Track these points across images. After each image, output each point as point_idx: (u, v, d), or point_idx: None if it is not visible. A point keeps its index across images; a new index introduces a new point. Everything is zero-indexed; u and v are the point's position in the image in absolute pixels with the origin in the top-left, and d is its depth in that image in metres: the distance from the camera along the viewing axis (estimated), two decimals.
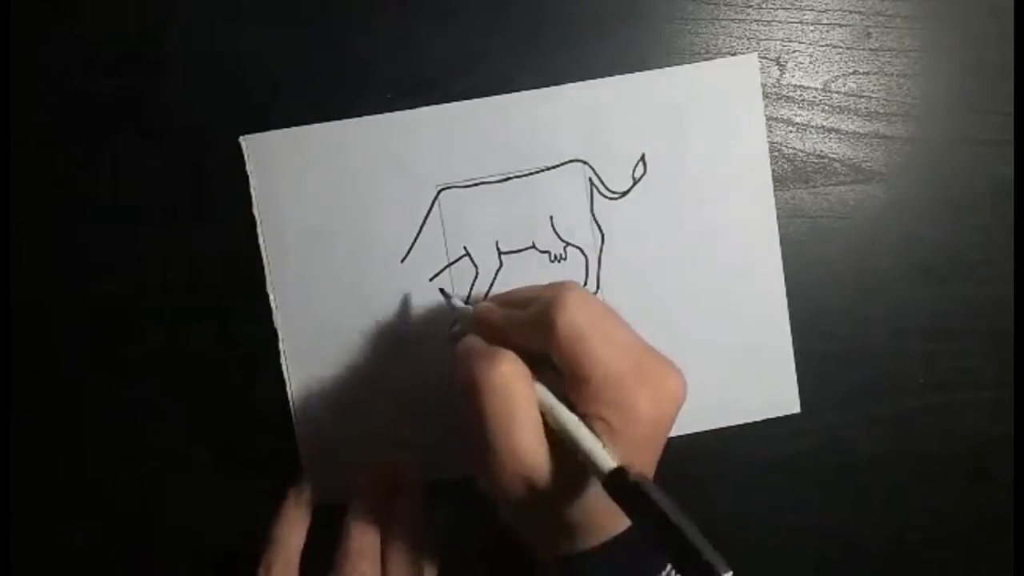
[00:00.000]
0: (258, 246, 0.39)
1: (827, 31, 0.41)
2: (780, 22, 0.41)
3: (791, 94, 0.41)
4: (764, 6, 0.41)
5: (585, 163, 0.40)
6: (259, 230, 0.38)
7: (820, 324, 0.42)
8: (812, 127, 0.41)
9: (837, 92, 0.42)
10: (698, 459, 0.42)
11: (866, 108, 0.42)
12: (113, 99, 0.38)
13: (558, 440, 0.31)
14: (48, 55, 0.38)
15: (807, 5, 0.41)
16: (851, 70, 0.42)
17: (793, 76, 0.41)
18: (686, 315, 0.41)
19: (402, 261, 0.39)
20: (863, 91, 0.42)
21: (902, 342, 0.43)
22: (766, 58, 0.41)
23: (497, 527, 0.34)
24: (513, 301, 0.36)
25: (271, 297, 0.38)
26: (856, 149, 0.42)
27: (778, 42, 0.41)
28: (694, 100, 0.40)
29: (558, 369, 0.31)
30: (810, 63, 0.41)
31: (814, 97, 0.41)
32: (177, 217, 0.39)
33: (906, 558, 0.44)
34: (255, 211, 0.38)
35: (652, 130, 0.40)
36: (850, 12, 0.41)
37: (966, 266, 0.43)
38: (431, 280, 0.39)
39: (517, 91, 0.39)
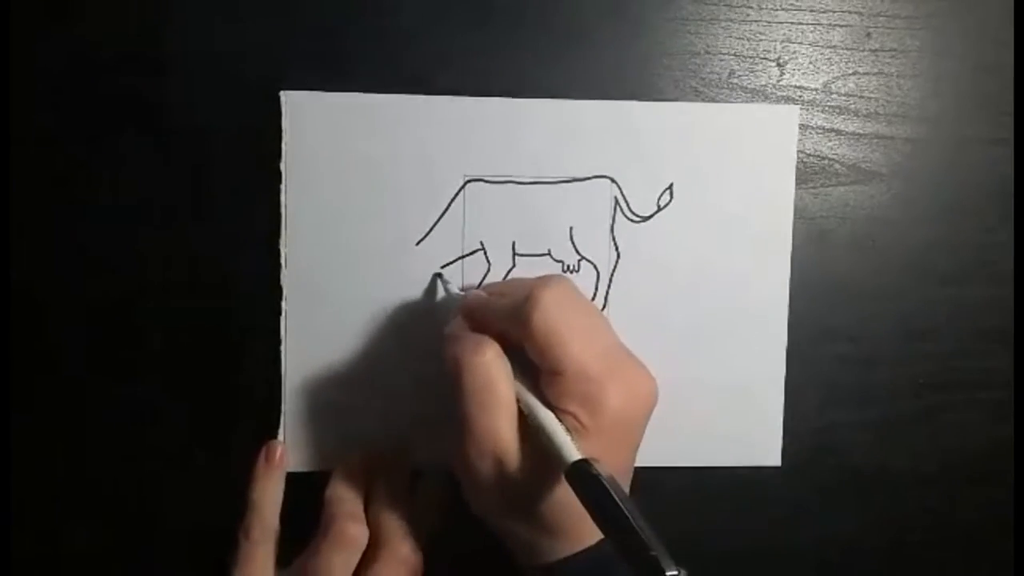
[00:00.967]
0: (259, 246, 0.39)
1: (827, 31, 0.41)
2: (780, 22, 0.41)
3: (791, 94, 0.41)
4: (764, 6, 0.41)
5: (613, 181, 0.40)
6: (283, 187, 0.38)
7: (820, 324, 0.42)
8: (812, 127, 0.41)
9: (837, 92, 0.42)
10: None
11: (866, 108, 0.42)
12: (113, 99, 0.38)
13: (531, 433, 0.32)
14: (48, 55, 0.38)
15: (807, 5, 0.41)
16: (851, 70, 0.42)
17: (793, 76, 0.41)
18: (684, 348, 0.41)
19: (417, 244, 0.39)
20: (863, 91, 0.42)
21: (902, 342, 0.43)
22: (766, 58, 0.41)
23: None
24: (503, 292, 0.36)
25: (282, 254, 0.39)
26: (856, 149, 0.42)
27: (778, 42, 0.41)
28: (730, 139, 0.40)
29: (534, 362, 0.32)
30: (810, 63, 0.41)
31: (814, 97, 0.41)
32: (177, 217, 0.39)
33: (906, 558, 0.44)
34: (282, 167, 0.38)
35: (684, 161, 0.40)
36: (850, 12, 0.41)
37: (966, 266, 0.43)
38: (443, 267, 0.40)
39: (520, 90, 0.39)
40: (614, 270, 0.41)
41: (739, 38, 0.41)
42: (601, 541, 0.33)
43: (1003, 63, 0.42)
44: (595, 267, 0.40)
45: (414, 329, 0.39)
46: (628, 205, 0.40)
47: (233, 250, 0.39)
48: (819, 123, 0.42)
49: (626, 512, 0.28)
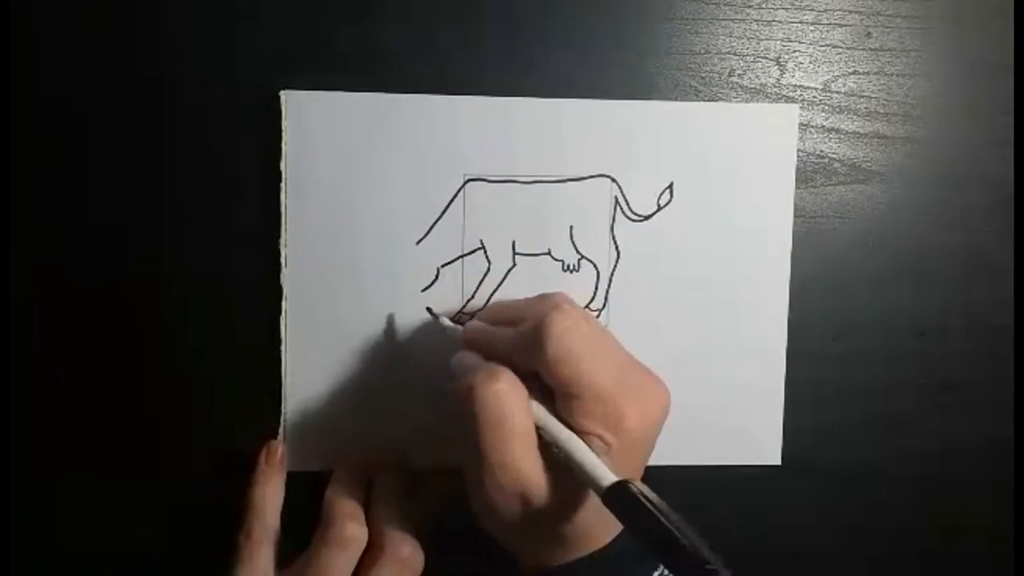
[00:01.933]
0: (259, 246, 0.39)
1: (827, 31, 0.41)
2: (780, 22, 0.41)
3: (791, 94, 0.41)
4: (764, 6, 0.41)
5: (614, 181, 0.40)
6: (283, 187, 0.38)
7: (819, 324, 0.42)
8: (812, 127, 0.41)
9: (837, 92, 0.42)
10: None
11: (866, 108, 0.42)
12: (113, 98, 0.38)
13: (551, 457, 0.32)
14: (48, 54, 0.38)
15: (807, 5, 0.41)
16: (851, 70, 0.42)
17: (793, 76, 0.41)
18: (684, 348, 0.41)
19: (417, 243, 0.39)
20: (863, 91, 0.42)
21: (901, 342, 0.43)
22: (766, 58, 0.41)
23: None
24: (502, 318, 0.36)
25: (282, 254, 0.39)
26: (856, 149, 0.42)
27: (778, 42, 0.41)
28: (730, 139, 0.40)
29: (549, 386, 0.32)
30: (810, 63, 0.41)
31: (814, 97, 0.41)
32: (177, 217, 0.39)
33: (906, 559, 0.44)
34: (282, 167, 0.38)
35: (684, 161, 0.40)
36: (850, 12, 0.41)
37: (966, 266, 0.43)
38: (443, 267, 0.40)
39: (520, 90, 0.39)
40: (614, 269, 0.41)
41: (739, 38, 0.41)
42: (613, 540, 0.33)
43: (1003, 63, 0.42)
44: (595, 266, 0.41)
45: (414, 329, 0.40)
46: (628, 204, 0.40)
47: (233, 250, 0.39)
48: (819, 122, 0.42)
49: (673, 528, 0.27)
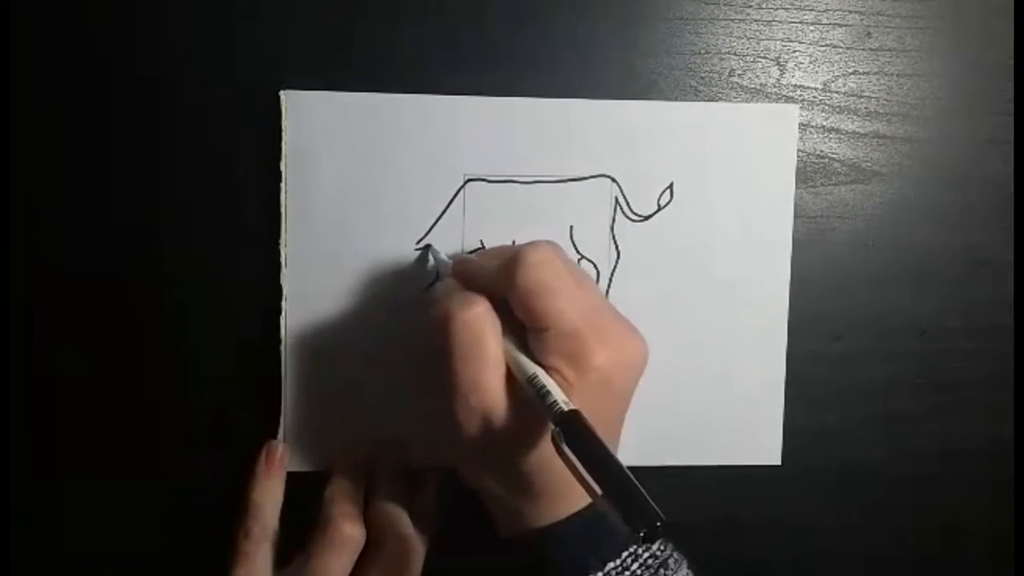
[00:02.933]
0: (259, 246, 0.39)
1: (827, 31, 0.41)
2: (780, 22, 0.41)
3: (791, 94, 0.41)
4: (764, 6, 0.41)
5: (614, 181, 0.40)
6: (283, 187, 0.38)
7: (819, 324, 0.42)
8: (812, 127, 0.41)
9: (837, 92, 0.42)
10: None
11: (866, 108, 0.42)
12: (113, 98, 0.38)
13: (519, 391, 0.32)
14: (48, 54, 0.38)
15: (807, 5, 0.41)
16: (851, 70, 0.42)
17: (793, 76, 0.41)
18: (684, 347, 0.41)
19: (417, 243, 0.39)
20: (863, 91, 0.42)
21: (901, 342, 0.43)
22: (766, 58, 0.41)
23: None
24: (492, 255, 0.37)
25: (282, 254, 0.39)
26: (856, 149, 0.42)
27: (778, 42, 0.41)
28: (730, 139, 0.40)
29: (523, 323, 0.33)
30: (810, 63, 0.41)
31: (814, 97, 0.41)
32: (177, 217, 0.39)
33: (906, 559, 0.44)
34: (282, 167, 0.38)
35: (684, 160, 0.40)
36: (850, 12, 0.41)
37: (966, 266, 0.43)
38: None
39: (520, 90, 0.39)
40: (614, 269, 0.41)
41: (739, 38, 0.41)
42: (586, 507, 0.33)
43: (1003, 63, 0.42)
44: (595, 266, 0.40)
45: (414, 329, 0.39)
46: (628, 204, 0.40)
47: (233, 250, 0.39)
48: (819, 122, 0.42)
49: (624, 468, 0.27)
